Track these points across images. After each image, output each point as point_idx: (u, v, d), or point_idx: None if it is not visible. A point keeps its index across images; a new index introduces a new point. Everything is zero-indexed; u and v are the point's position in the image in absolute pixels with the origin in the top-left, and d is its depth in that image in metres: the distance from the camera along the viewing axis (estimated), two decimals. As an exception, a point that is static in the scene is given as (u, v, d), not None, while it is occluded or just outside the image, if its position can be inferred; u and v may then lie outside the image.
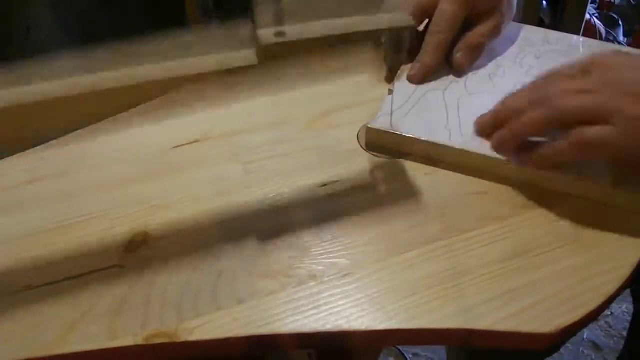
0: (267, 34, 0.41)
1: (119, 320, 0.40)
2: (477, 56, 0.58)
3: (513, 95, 0.49)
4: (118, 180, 0.51)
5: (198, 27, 0.41)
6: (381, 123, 0.52)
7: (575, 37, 0.62)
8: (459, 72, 0.57)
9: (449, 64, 0.57)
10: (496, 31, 0.59)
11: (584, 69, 0.45)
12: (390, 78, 0.51)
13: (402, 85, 0.56)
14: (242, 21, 0.41)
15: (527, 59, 0.59)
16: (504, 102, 0.49)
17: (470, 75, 0.57)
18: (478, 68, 0.58)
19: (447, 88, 0.56)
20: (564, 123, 0.44)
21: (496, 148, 0.48)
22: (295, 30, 0.41)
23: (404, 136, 0.51)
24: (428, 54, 0.56)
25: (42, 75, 0.37)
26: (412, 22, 0.44)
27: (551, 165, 0.46)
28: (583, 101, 0.43)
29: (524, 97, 0.47)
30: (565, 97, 0.44)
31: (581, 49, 0.60)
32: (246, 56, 0.42)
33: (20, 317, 0.41)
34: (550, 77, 0.48)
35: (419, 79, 0.56)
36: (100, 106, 0.40)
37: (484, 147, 0.49)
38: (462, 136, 0.50)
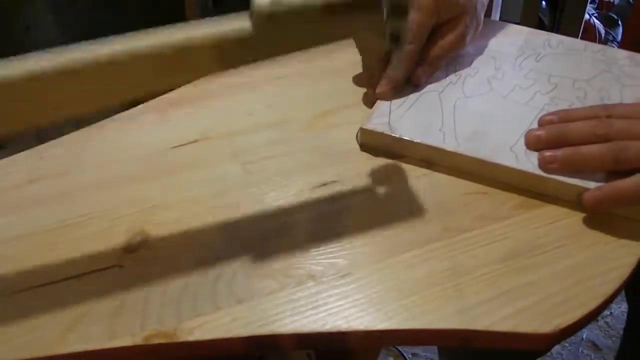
0: (263, 2, 0.39)
1: (118, 320, 0.40)
2: (436, 70, 0.57)
3: (574, 118, 0.49)
4: (118, 180, 0.51)
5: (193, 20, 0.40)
6: (375, 124, 0.52)
7: (577, 40, 0.62)
8: (457, 76, 0.57)
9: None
10: (459, 43, 0.57)
11: None
12: (391, 46, 0.50)
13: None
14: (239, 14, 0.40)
15: (527, 61, 0.59)
16: (566, 127, 0.48)
17: (468, 77, 0.57)
18: (478, 70, 0.58)
19: (443, 90, 0.56)
20: (633, 168, 0.44)
21: (546, 167, 0.47)
22: None
23: (397, 138, 0.51)
24: (395, 67, 0.54)
25: (38, 65, 0.37)
26: None
27: (619, 203, 0.45)
28: None
29: (589, 126, 0.47)
30: (636, 143, 0.44)
31: (582, 52, 0.60)
32: (241, 25, 0.40)
33: (20, 317, 0.41)
34: (611, 110, 0.48)
35: (388, 94, 0.54)
36: (94, 84, 0.39)
37: (477, 151, 0.49)
38: (456, 139, 0.50)
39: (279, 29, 0.40)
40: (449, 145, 0.50)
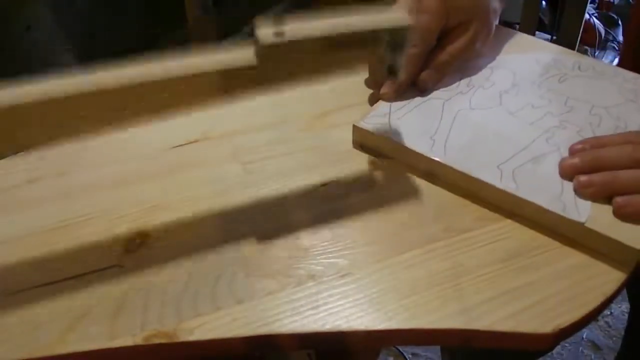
0: (266, 33, 0.41)
1: (119, 320, 0.40)
2: (443, 76, 0.55)
3: (606, 144, 0.48)
4: (118, 180, 0.51)
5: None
6: (367, 123, 0.51)
7: (610, 66, 0.59)
8: (470, 86, 0.56)
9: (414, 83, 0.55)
10: (468, 49, 0.55)
11: None
12: (389, 78, 0.51)
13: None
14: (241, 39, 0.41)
15: (549, 81, 0.56)
16: (603, 152, 0.47)
17: (480, 89, 0.55)
18: (494, 83, 0.56)
19: (450, 98, 0.54)
20: None
21: (582, 192, 0.45)
22: (294, 31, 0.42)
23: (386, 138, 0.50)
24: (401, 70, 0.52)
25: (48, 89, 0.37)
26: (411, 22, 0.44)
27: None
28: None
29: (626, 151, 0.46)
30: None
31: (612, 79, 0.57)
32: (245, 56, 0.42)
33: (20, 317, 0.41)
34: None
35: (391, 96, 0.53)
36: (98, 107, 0.40)
37: (462, 163, 0.48)
38: (445, 148, 0.49)
39: (281, 59, 0.42)
40: (435, 154, 0.49)
